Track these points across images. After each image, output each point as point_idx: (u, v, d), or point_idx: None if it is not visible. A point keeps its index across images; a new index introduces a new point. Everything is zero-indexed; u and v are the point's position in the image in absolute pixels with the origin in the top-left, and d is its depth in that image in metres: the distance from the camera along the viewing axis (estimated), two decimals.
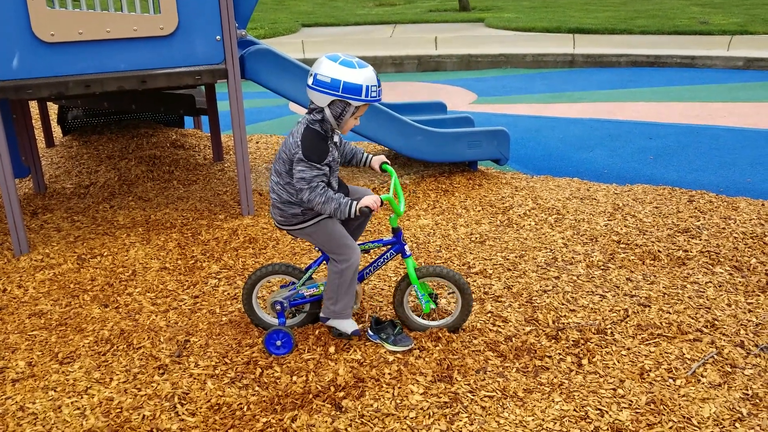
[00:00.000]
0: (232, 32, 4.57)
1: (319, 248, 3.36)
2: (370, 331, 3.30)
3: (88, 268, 4.23)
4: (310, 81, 2.99)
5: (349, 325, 3.27)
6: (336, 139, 3.13)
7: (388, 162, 3.32)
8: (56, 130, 7.63)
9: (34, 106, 8.30)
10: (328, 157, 3.03)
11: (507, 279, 3.95)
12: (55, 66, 4.29)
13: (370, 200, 2.97)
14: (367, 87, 2.95)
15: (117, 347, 3.34)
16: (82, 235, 4.74)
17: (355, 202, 2.97)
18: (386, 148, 6.30)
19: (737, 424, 2.69)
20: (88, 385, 3.04)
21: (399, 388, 2.94)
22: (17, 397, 2.97)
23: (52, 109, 8.35)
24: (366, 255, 4.23)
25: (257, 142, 7.19)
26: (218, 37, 4.55)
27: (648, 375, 3.01)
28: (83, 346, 3.36)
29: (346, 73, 2.92)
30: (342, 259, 3.14)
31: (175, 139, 7.08)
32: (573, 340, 3.28)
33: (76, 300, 3.84)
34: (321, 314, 3.29)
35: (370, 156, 3.34)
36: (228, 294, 3.87)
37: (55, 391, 3.01)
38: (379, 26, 16.14)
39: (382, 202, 3.02)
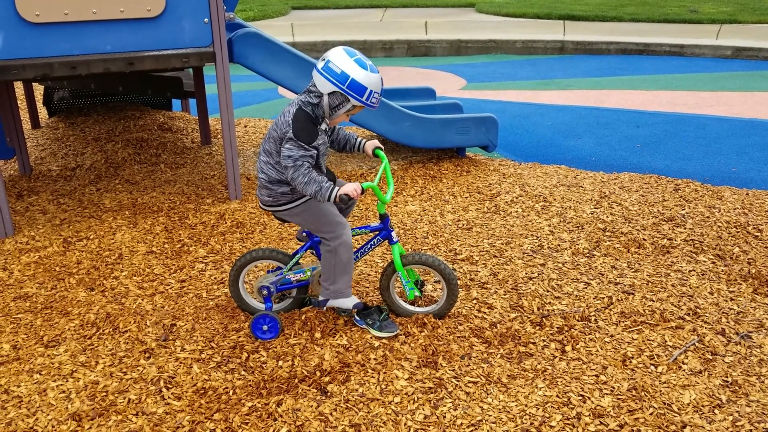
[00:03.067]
0: (220, 15, 4.54)
1: (306, 232, 3.37)
2: (356, 317, 3.32)
3: (74, 251, 4.21)
4: (320, 65, 3.01)
5: (349, 302, 3.27)
6: (324, 126, 3.13)
7: (382, 147, 3.32)
8: (42, 112, 7.56)
9: (19, 87, 8.21)
10: (317, 140, 3.05)
11: (493, 266, 3.98)
12: (40, 47, 4.24)
13: (350, 188, 2.98)
14: (371, 91, 2.99)
15: (103, 331, 3.34)
16: (68, 218, 4.72)
17: (336, 188, 2.99)
18: (375, 134, 6.30)
19: (716, 411, 2.73)
20: (74, 369, 3.04)
21: (384, 373, 2.96)
22: (2, 381, 2.96)
23: (38, 90, 8.26)
24: (353, 241, 4.23)
25: (245, 126, 7.16)
26: (206, 19, 4.51)
27: (630, 362, 3.05)
28: (69, 329, 3.36)
29: (357, 72, 2.96)
30: (332, 237, 3.14)
31: (162, 121, 7.04)
32: (557, 327, 3.31)
33: (61, 283, 3.83)
34: (320, 297, 3.29)
35: (364, 141, 3.34)
36: (215, 278, 3.87)
37: (40, 374, 3.01)
38: (370, 10, 16.05)
39: (363, 191, 3.02)
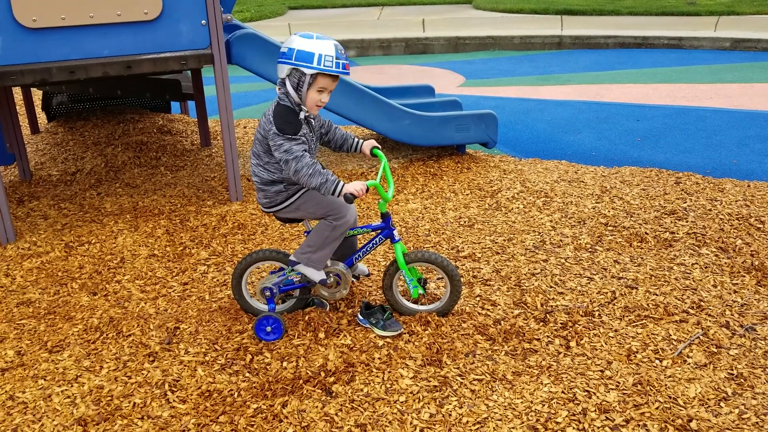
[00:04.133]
0: (217, 17, 4.53)
1: (307, 222, 3.34)
2: (360, 316, 3.32)
3: (76, 256, 4.21)
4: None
5: (317, 275, 3.27)
6: (303, 115, 3.09)
7: (379, 147, 3.31)
8: (41, 117, 7.55)
9: (17, 92, 8.21)
10: (302, 129, 3.03)
11: (496, 262, 3.97)
12: (38, 52, 4.23)
13: (356, 186, 2.97)
14: (320, 55, 2.93)
15: (106, 335, 3.34)
16: (70, 223, 4.71)
17: (342, 183, 2.97)
18: (375, 133, 6.29)
19: (722, 404, 2.73)
20: (78, 374, 3.03)
21: (389, 372, 2.95)
22: (7, 387, 2.96)
23: (37, 95, 8.26)
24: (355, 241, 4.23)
25: (245, 127, 7.16)
26: (203, 21, 4.51)
27: (635, 356, 3.04)
28: (72, 334, 3.36)
29: (301, 43, 2.96)
30: (338, 217, 3.14)
31: (161, 124, 7.03)
32: (561, 323, 3.31)
33: (64, 288, 3.82)
34: (292, 257, 3.27)
35: (361, 141, 3.33)
36: (217, 280, 3.86)
37: (44, 380, 3.01)
38: (367, 8, 16.05)
39: (367, 189, 3.01)
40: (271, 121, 3.00)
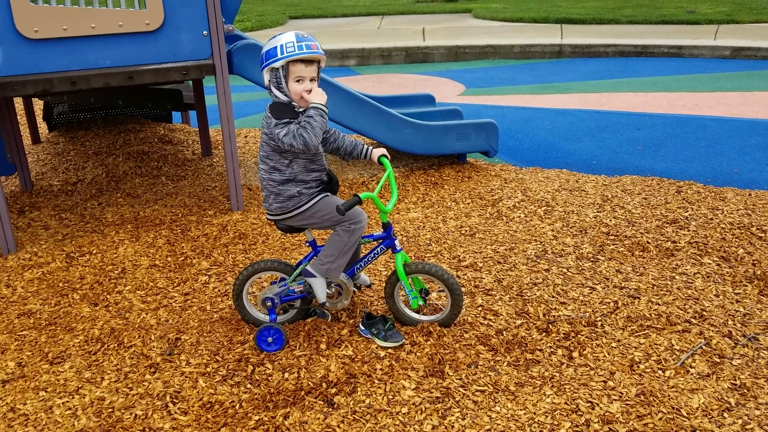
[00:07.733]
0: (219, 27, 4.54)
1: (310, 242, 3.35)
2: (361, 326, 3.31)
3: (77, 267, 4.20)
4: None
5: (323, 295, 3.27)
6: (297, 107, 3.15)
7: (387, 156, 3.31)
8: (42, 126, 7.56)
9: (18, 102, 8.22)
10: (299, 117, 3.09)
11: (497, 272, 3.96)
12: (39, 63, 4.24)
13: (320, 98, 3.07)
14: (281, 46, 3.04)
15: (108, 346, 3.33)
16: (71, 233, 4.71)
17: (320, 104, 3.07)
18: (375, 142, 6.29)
19: (725, 414, 2.71)
20: (79, 385, 3.03)
21: (391, 383, 2.94)
22: (8, 399, 2.95)
23: (38, 105, 8.27)
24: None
25: (246, 137, 7.16)
26: (205, 32, 4.52)
27: (638, 367, 3.03)
28: (73, 345, 3.35)
29: (266, 46, 3.10)
30: (355, 221, 3.17)
31: (163, 134, 7.04)
32: (563, 333, 3.30)
33: (65, 299, 3.82)
34: (309, 268, 3.26)
35: (371, 148, 3.34)
36: (218, 291, 3.86)
37: (45, 391, 3.00)
38: (367, 17, 16.10)
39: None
40: (269, 115, 3.10)
